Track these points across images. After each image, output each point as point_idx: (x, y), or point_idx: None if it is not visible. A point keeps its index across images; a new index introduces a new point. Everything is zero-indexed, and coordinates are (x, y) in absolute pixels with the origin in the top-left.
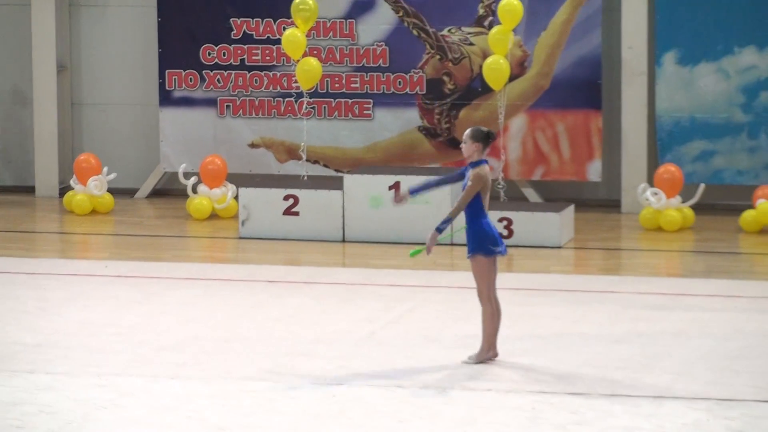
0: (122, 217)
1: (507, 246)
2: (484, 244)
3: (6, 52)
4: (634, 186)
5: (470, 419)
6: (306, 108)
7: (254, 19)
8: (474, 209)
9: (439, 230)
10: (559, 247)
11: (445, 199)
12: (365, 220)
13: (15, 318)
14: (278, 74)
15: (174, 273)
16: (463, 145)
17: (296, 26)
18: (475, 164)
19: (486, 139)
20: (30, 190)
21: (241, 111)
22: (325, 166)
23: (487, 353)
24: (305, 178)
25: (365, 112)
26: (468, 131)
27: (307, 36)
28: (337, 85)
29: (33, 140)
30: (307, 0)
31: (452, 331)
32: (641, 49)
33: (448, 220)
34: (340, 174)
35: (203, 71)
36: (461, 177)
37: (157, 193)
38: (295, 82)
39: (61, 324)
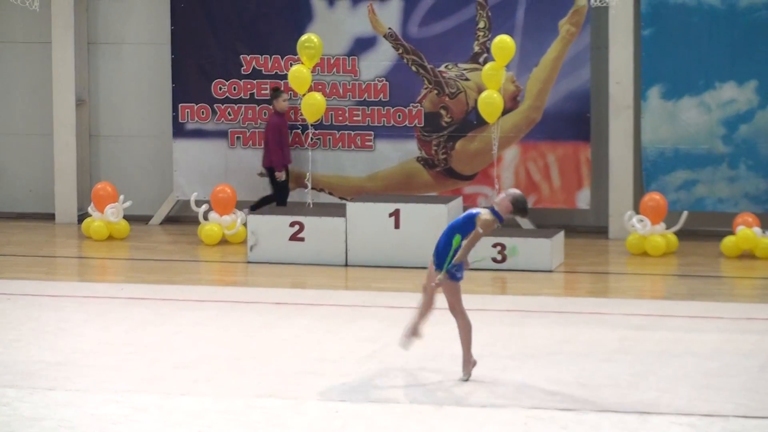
0: (137, 242)
1: (500, 270)
2: (453, 273)
3: (29, 86)
4: (621, 213)
5: None
6: (311, 139)
7: (263, 56)
8: (459, 232)
9: (451, 274)
10: (550, 271)
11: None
12: (367, 245)
13: (36, 338)
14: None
15: (186, 295)
16: (505, 198)
17: (302, 63)
18: (493, 212)
19: (522, 212)
20: (50, 217)
21: (250, 142)
22: (330, 193)
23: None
24: (310, 205)
25: (367, 143)
26: (514, 192)
27: (312, 72)
28: (340, 118)
29: (53, 170)
30: (312, 38)
31: (449, 350)
32: (628, 84)
33: (458, 266)
34: (343, 201)
35: (215, 105)
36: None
37: (170, 220)
38: (301, 115)
39: (79, 343)
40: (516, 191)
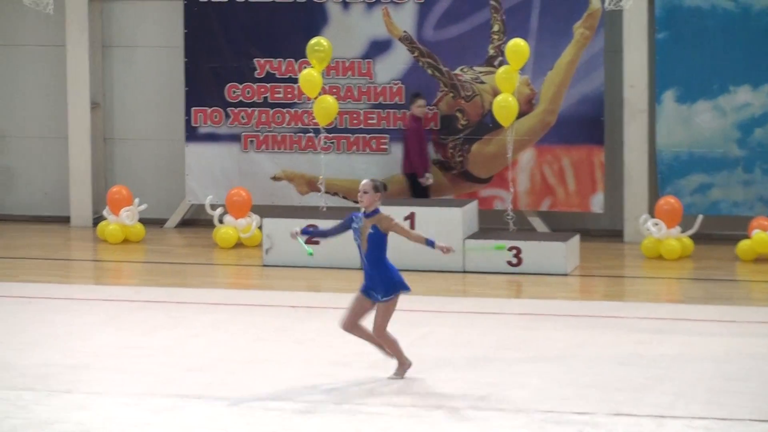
0: (152, 245)
1: (515, 273)
2: (400, 284)
3: (43, 90)
4: (636, 217)
5: None
6: (325, 143)
7: (276, 59)
8: (381, 253)
9: (430, 243)
10: (565, 275)
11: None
12: None
13: (52, 341)
14: (299, 111)
15: (201, 298)
16: (364, 195)
17: (312, 66)
18: (372, 214)
19: (384, 190)
20: (65, 220)
21: (264, 146)
22: (344, 197)
23: (406, 366)
24: (324, 209)
25: (382, 146)
26: (369, 183)
27: (326, 75)
28: (355, 121)
29: (68, 173)
30: (321, 41)
31: (464, 354)
32: (642, 88)
33: (430, 240)
34: (357, 205)
35: (228, 108)
36: (348, 227)
37: (185, 223)
38: (314, 118)
39: (95, 346)
40: (369, 181)
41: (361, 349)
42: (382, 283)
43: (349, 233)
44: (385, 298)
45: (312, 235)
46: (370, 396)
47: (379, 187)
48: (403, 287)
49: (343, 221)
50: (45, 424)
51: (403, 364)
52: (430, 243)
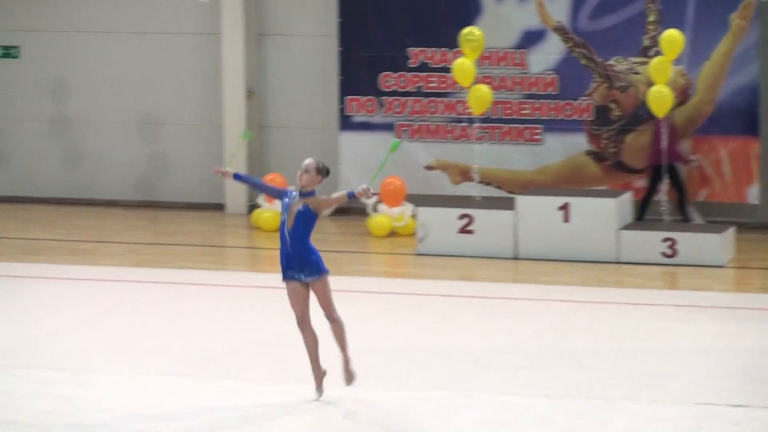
0: None
1: (670, 265)
2: (323, 263)
3: (198, 78)
4: None
5: (635, 429)
6: (479, 132)
7: (431, 49)
8: (306, 234)
9: (350, 195)
10: (721, 267)
11: None
12: (536, 238)
13: (207, 328)
14: (453, 100)
15: (355, 287)
16: (304, 174)
17: (465, 55)
18: (308, 194)
19: (326, 175)
20: (220, 207)
21: (417, 135)
22: (498, 187)
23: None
24: (479, 198)
25: (535, 136)
26: (313, 163)
27: (480, 65)
28: (508, 111)
29: (223, 161)
30: (473, 31)
31: (618, 345)
32: None
33: (350, 193)
34: (511, 195)
35: (381, 97)
36: (278, 196)
37: (339, 212)
38: (468, 107)
39: (250, 333)
40: (313, 160)
41: (516, 338)
42: (307, 262)
43: None
44: (313, 278)
45: (241, 180)
46: (524, 386)
47: (322, 171)
48: (325, 269)
49: (279, 189)
50: (203, 410)
51: (348, 362)
52: (350, 195)
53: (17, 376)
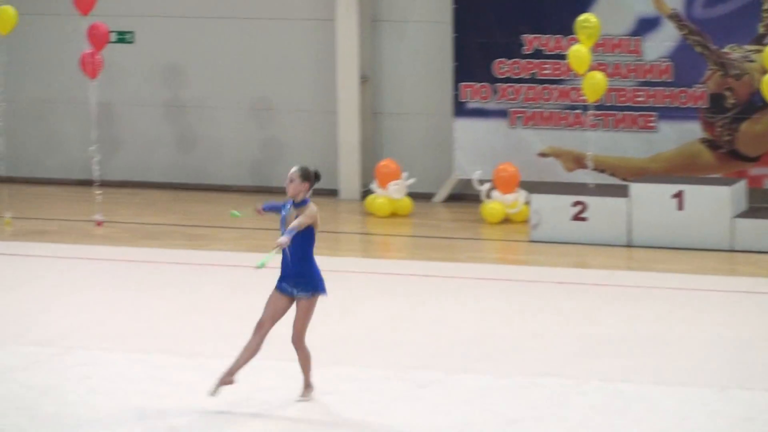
0: (420, 219)
1: None
2: (322, 284)
3: (312, 63)
4: None
5: (747, 417)
6: (593, 119)
7: (545, 35)
8: (307, 248)
9: (289, 233)
10: None
11: None
12: (650, 226)
13: (318, 312)
14: (567, 87)
15: (468, 273)
16: (290, 184)
17: (580, 42)
18: (300, 204)
19: (316, 179)
20: (333, 193)
21: (531, 122)
22: (611, 174)
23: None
24: (593, 186)
25: (649, 124)
26: (296, 171)
27: (594, 52)
28: (622, 98)
29: (337, 147)
30: (589, 18)
31: (731, 333)
32: None
33: (292, 230)
34: (625, 182)
35: (495, 84)
36: (278, 210)
37: (452, 198)
38: (582, 94)
39: (363, 319)
40: (297, 167)
41: (629, 326)
42: (303, 278)
43: None
44: (305, 294)
45: (271, 210)
46: (638, 374)
47: (309, 176)
48: (323, 289)
49: (279, 204)
50: (320, 394)
51: (309, 387)
52: (289, 232)
53: (135, 361)
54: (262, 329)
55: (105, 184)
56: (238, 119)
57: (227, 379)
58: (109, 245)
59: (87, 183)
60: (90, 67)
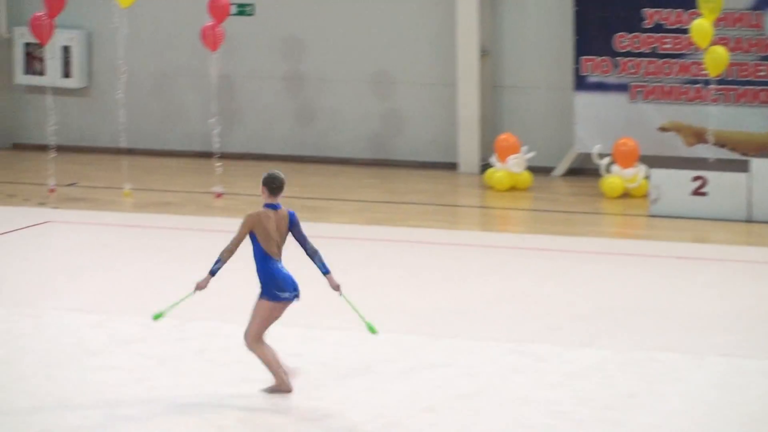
0: (539, 193)
1: None
2: (269, 289)
3: (432, 37)
4: None
5: None
6: (714, 94)
7: (666, 9)
8: (257, 254)
9: (213, 272)
10: None
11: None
12: None
13: (438, 285)
14: (687, 62)
15: (587, 247)
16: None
17: (703, 16)
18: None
19: (273, 185)
20: (452, 166)
21: (651, 96)
22: (732, 149)
23: (284, 384)
24: (713, 160)
25: None
26: (268, 176)
27: (715, 26)
28: (744, 73)
29: (456, 120)
30: None
31: None
32: None
33: (219, 261)
34: (745, 158)
35: (616, 58)
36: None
37: (572, 172)
38: (704, 69)
39: (480, 292)
40: (268, 173)
41: (748, 300)
42: (260, 281)
43: None
44: (259, 296)
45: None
46: (759, 349)
47: (266, 181)
48: (269, 295)
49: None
50: (433, 366)
51: (281, 382)
52: (212, 271)
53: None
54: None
55: (224, 156)
56: (357, 92)
57: (285, 384)
58: (227, 217)
59: (207, 155)
60: (211, 39)
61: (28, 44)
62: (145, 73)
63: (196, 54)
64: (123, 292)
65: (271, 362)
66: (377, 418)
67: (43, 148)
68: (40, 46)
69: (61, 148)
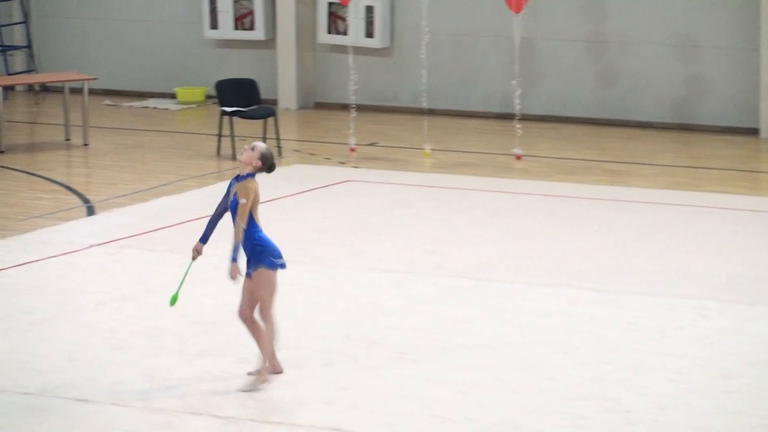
0: None
1: None
2: (265, 257)
3: (736, 1)
4: None
5: None
6: None
7: None
8: (250, 224)
9: (234, 260)
10: None
11: None
12: None
13: (733, 251)
14: None
15: None
16: (245, 151)
17: None
18: (243, 177)
19: (269, 168)
20: (754, 132)
21: None
22: None
23: (273, 369)
24: None
25: None
26: (263, 145)
27: None
28: None
29: (759, 86)
30: None
31: None
32: None
33: (236, 248)
34: None
35: None
36: (227, 197)
37: None
38: None
39: None
40: (264, 145)
41: None
42: (247, 255)
43: None
44: (248, 272)
45: (209, 234)
46: None
47: (266, 160)
48: (267, 262)
49: (225, 194)
50: (723, 332)
51: (262, 373)
52: (233, 258)
53: (548, 295)
54: (245, 319)
55: (525, 118)
56: (660, 54)
57: (275, 367)
58: (526, 179)
59: (507, 117)
60: (515, 1)
61: (331, 4)
62: (446, 34)
63: (499, 15)
64: (421, 252)
65: (270, 343)
66: (672, 382)
67: (344, 107)
68: (343, 5)
69: (362, 108)
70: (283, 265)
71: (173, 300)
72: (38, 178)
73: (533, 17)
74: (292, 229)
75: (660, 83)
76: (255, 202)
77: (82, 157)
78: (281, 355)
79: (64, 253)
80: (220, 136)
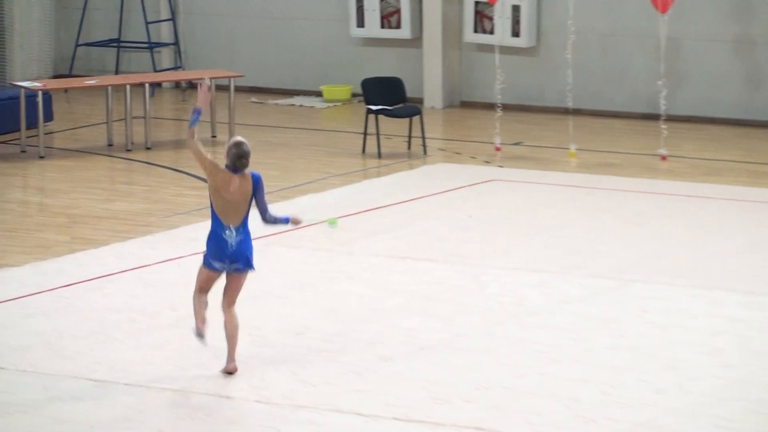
0: None
1: None
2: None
3: None
4: None
5: None
6: None
7: None
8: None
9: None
10: None
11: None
12: None
13: None
14: None
15: None
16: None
17: None
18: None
19: (235, 159)
20: None
21: None
22: None
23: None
24: None
25: None
26: (245, 145)
27: None
28: None
29: None
30: None
31: None
32: None
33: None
34: None
35: None
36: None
37: None
38: None
39: None
40: (246, 144)
41: None
42: (242, 253)
43: None
44: (239, 267)
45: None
46: None
47: (229, 148)
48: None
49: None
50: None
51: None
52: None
53: (693, 296)
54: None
55: (670, 118)
56: None
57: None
58: (671, 180)
59: (652, 117)
60: (661, 1)
61: (477, 3)
62: (592, 33)
63: (645, 15)
64: (565, 252)
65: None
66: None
67: (489, 106)
68: (490, 4)
69: (507, 107)
70: (218, 269)
71: (333, 222)
72: (184, 175)
73: (679, 17)
74: (437, 228)
75: None
76: (215, 193)
77: None
78: (424, 353)
79: None
80: (365, 134)
